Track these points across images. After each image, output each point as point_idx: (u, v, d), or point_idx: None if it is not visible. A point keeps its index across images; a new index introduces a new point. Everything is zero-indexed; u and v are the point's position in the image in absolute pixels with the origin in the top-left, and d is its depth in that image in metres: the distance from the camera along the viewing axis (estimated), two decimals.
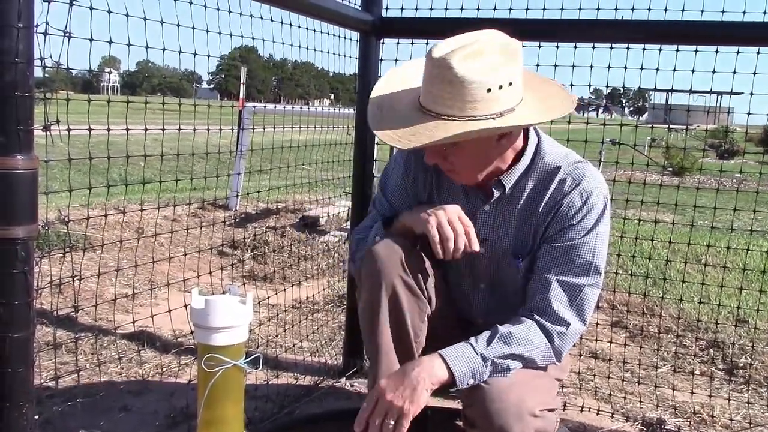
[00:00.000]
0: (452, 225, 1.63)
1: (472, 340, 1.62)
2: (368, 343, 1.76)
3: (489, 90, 1.51)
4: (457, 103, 1.52)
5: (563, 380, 1.91)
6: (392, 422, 1.52)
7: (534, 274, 1.74)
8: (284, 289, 3.01)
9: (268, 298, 2.76)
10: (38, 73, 1.43)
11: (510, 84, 1.55)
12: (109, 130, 1.68)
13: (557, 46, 2.47)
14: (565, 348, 1.69)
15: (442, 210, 1.65)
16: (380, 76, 2.62)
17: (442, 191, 1.85)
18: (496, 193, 1.74)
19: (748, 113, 2.50)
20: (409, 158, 1.87)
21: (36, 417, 1.43)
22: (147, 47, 1.79)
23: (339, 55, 2.70)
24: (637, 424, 2.46)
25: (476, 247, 1.66)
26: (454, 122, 1.52)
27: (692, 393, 2.63)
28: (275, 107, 5.82)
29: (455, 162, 1.65)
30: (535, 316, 1.68)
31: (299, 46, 2.54)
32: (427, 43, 2.54)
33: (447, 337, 1.87)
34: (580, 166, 1.73)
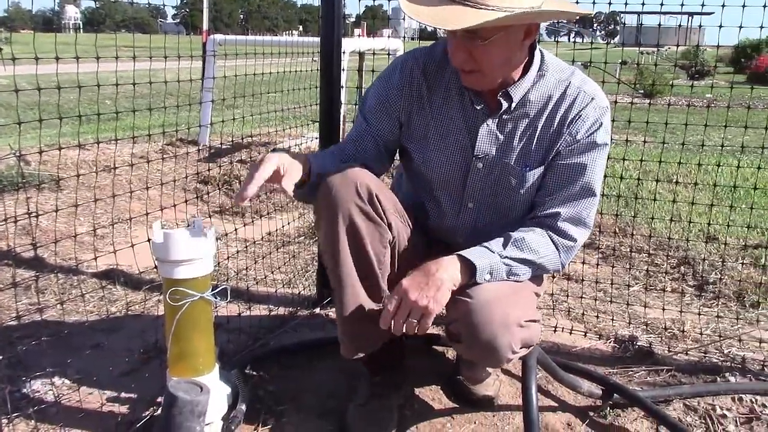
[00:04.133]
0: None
1: (486, 243, 1.67)
2: (332, 274, 1.74)
3: None
4: None
5: (541, 295, 1.93)
6: (416, 321, 1.55)
7: (543, 189, 1.76)
8: (252, 222, 2.97)
9: (236, 231, 2.71)
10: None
11: None
12: (57, 59, 1.59)
13: None
14: (569, 259, 1.78)
15: None
16: (343, 2, 2.54)
17: (435, 104, 1.80)
18: (504, 105, 1.72)
19: (720, 26, 2.46)
20: (406, 63, 1.81)
21: (0, 358, 1.40)
22: None
23: None
24: (610, 342, 2.49)
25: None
26: (493, 11, 1.49)
27: (663, 310, 2.66)
28: (236, 38, 5.64)
29: (482, 58, 1.60)
30: (548, 232, 1.73)
31: None
32: None
33: (421, 261, 1.87)
34: (588, 81, 1.76)
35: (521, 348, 1.66)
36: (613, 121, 2.66)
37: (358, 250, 1.68)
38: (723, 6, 2.38)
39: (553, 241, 1.73)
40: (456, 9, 1.51)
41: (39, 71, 1.55)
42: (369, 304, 1.74)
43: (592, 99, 1.72)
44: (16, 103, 1.52)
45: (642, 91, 12.35)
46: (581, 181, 1.73)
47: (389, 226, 1.72)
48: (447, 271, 1.59)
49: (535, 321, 1.71)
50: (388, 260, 1.75)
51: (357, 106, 1.93)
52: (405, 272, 1.82)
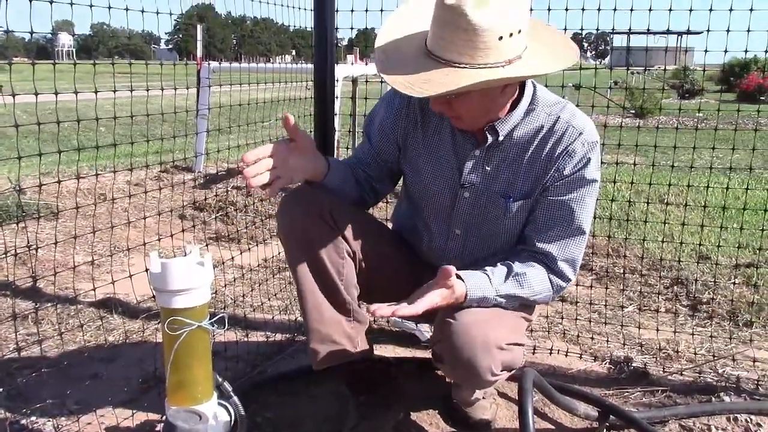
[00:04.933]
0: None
1: (489, 271, 1.69)
2: (296, 289, 1.80)
3: (500, 38, 1.49)
4: (469, 50, 1.49)
5: (532, 320, 1.94)
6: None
7: (533, 224, 1.78)
8: (249, 249, 2.99)
9: (233, 258, 2.74)
10: None
11: (519, 32, 1.52)
12: (56, 93, 1.62)
13: None
14: (557, 297, 1.83)
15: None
16: (337, 28, 2.58)
17: (428, 131, 1.84)
18: (490, 139, 1.74)
19: (706, 51, 2.51)
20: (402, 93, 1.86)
21: (0, 390, 1.41)
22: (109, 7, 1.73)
23: (294, 8, 2.65)
24: (605, 363, 2.51)
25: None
26: (465, 70, 1.50)
27: (657, 330, 2.68)
28: (230, 65, 5.69)
29: (460, 109, 1.63)
30: (547, 271, 1.76)
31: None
32: None
33: (413, 282, 1.89)
34: (578, 115, 1.76)
35: (502, 370, 1.69)
36: (603, 144, 2.71)
37: (313, 261, 1.74)
38: (708, 31, 2.43)
39: (550, 280, 1.76)
40: (430, 74, 1.52)
41: (41, 100, 1.58)
42: (332, 314, 1.79)
43: (580, 134, 1.72)
44: (16, 136, 1.54)
45: (633, 112, 12.44)
46: (571, 219, 1.74)
47: (345, 238, 1.77)
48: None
49: (519, 345, 1.73)
50: (351, 271, 1.80)
51: (363, 125, 2.00)
52: (393, 290, 1.85)
